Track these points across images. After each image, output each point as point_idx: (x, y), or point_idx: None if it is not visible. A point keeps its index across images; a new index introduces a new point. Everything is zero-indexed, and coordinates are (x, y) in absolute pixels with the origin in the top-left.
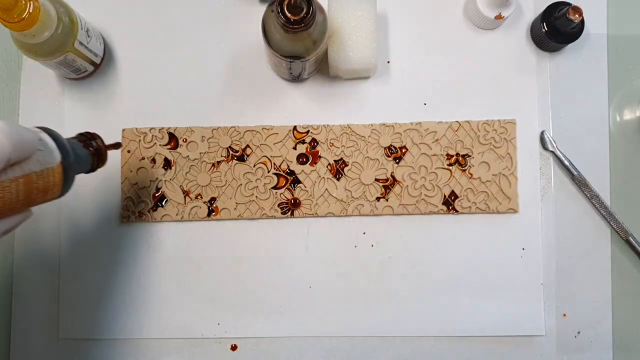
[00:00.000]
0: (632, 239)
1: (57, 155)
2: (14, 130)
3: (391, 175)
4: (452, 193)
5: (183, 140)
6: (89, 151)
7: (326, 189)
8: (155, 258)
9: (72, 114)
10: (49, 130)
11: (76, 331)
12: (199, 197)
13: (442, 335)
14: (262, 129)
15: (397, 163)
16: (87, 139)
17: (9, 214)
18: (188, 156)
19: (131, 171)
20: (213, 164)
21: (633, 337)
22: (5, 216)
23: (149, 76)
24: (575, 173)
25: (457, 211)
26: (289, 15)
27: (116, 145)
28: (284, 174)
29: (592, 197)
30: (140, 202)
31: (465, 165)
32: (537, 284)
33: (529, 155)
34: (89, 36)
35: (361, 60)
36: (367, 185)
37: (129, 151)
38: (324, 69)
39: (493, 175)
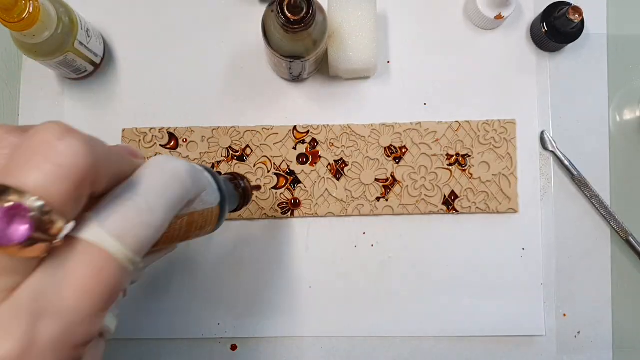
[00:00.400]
0: (632, 239)
1: (218, 197)
2: (194, 172)
3: (391, 175)
4: (452, 193)
5: (183, 140)
6: (237, 192)
7: (326, 189)
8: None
9: (72, 114)
10: (208, 170)
11: None
12: None
13: (442, 335)
14: (262, 129)
15: (397, 163)
16: (236, 179)
17: (164, 248)
18: (188, 156)
19: None
20: (213, 164)
21: (633, 337)
22: (160, 251)
23: (149, 76)
24: (575, 173)
25: (457, 211)
26: (289, 15)
27: (257, 187)
28: (284, 174)
29: (592, 197)
30: None
31: (465, 165)
32: (537, 284)
33: (529, 155)
34: (89, 36)
35: (361, 60)
36: (367, 185)
37: None
38: (324, 69)
39: (493, 175)
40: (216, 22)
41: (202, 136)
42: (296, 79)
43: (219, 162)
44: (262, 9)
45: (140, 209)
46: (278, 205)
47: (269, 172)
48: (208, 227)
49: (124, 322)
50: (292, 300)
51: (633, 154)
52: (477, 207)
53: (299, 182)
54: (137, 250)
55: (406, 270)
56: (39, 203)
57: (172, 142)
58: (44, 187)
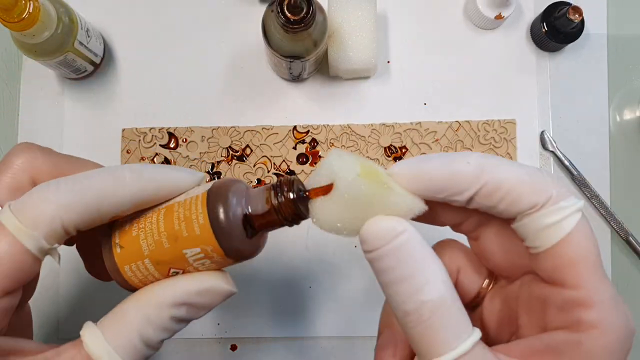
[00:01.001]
0: (632, 239)
1: (205, 188)
2: (146, 169)
3: None
4: None
5: (183, 140)
6: (265, 197)
7: None
8: None
9: (72, 114)
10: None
11: (76, 331)
12: None
13: None
14: (262, 129)
15: None
16: (279, 187)
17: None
18: (188, 156)
19: None
20: (213, 164)
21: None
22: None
23: (149, 76)
24: (575, 173)
25: None
26: (289, 15)
27: (316, 192)
28: (284, 174)
29: (592, 197)
30: None
31: None
32: None
33: (529, 155)
34: (89, 36)
35: (361, 60)
36: None
37: (128, 151)
38: (324, 69)
39: None
40: (216, 22)
41: (202, 136)
42: (296, 79)
43: (219, 162)
44: (262, 9)
45: (46, 188)
46: None
47: (269, 172)
48: (198, 218)
49: None
50: (292, 300)
51: (633, 154)
52: None
53: None
54: (34, 222)
55: None
56: None
57: (172, 142)
58: None
